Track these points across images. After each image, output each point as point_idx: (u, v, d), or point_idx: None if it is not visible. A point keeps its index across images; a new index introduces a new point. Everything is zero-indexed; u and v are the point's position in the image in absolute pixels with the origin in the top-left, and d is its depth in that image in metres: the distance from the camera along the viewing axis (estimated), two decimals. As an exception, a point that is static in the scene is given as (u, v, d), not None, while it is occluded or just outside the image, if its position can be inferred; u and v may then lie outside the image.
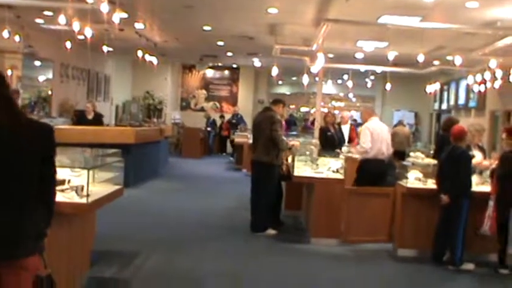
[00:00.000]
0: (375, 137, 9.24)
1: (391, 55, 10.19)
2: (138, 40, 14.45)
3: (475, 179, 7.99)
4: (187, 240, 8.40)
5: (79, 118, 14.03)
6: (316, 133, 18.11)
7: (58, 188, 5.33)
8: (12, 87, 12.81)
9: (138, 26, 12.93)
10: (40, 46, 14.66)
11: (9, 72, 14.62)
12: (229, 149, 22.68)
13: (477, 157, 8.39)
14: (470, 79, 13.26)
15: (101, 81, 20.21)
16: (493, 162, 8.09)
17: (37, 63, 15.81)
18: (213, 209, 11.10)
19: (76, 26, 9.43)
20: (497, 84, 12.95)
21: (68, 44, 12.72)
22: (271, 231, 8.92)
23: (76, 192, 5.18)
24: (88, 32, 9.53)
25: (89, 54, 17.32)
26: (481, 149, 8.74)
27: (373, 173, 9.34)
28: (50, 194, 3.27)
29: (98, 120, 13.50)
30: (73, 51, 16.69)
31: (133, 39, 14.54)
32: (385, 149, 9.40)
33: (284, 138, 9.09)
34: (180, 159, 20.98)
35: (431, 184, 7.96)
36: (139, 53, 14.55)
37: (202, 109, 24.98)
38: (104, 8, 8.31)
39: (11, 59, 14.52)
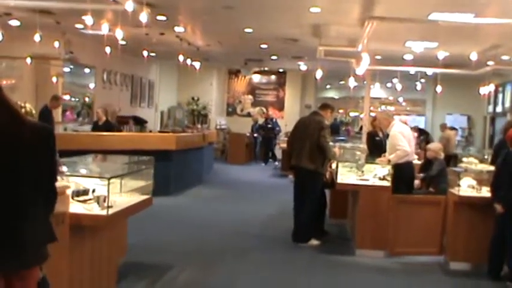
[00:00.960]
0: (406, 140, 8.62)
1: (441, 55, 9.62)
2: (180, 44, 14.18)
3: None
4: (225, 252, 8.00)
5: (93, 125, 13.76)
6: (364, 138, 17.65)
7: (80, 198, 5.06)
8: (55, 94, 12.90)
9: (178, 29, 12.70)
10: (81, 52, 14.53)
11: (54, 79, 14.59)
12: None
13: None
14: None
15: (144, 87, 20.05)
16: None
17: (81, 69, 15.71)
18: (255, 217, 10.67)
19: (119, 33, 9.14)
20: None
21: (108, 49, 12.52)
22: (314, 242, 8.46)
23: (98, 203, 4.84)
24: (119, 34, 9.16)
25: (131, 59, 17.27)
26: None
27: (410, 177, 8.80)
28: (50, 200, 3.10)
29: (108, 126, 13.15)
30: (115, 56, 16.63)
31: (175, 44, 14.28)
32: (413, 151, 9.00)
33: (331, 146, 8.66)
34: (225, 165, 20.68)
35: (486, 192, 7.37)
36: (181, 58, 14.29)
37: (248, 114, 24.63)
38: (143, 17, 8.01)
39: (55, 66, 14.46)
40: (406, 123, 11.34)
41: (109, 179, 4.75)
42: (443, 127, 16.96)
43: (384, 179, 8.18)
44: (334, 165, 9.02)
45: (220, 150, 23.14)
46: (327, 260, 7.82)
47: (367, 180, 8.27)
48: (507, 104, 20.18)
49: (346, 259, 7.86)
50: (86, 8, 8.67)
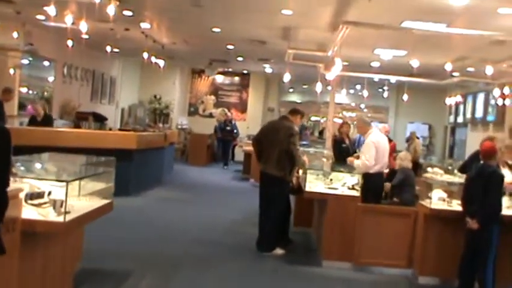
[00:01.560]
0: (381, 151, 8.52)
1: (415, 63, 9.43)
2: (145, 41, 13.77)
3: (505, 201, 7.23)
4: (186, 259, 7.64)
5: (30, 120, 12.77)
6: (328, 143, 17.49)
7: (35, 201, 4.68)
8: (6, 86, 12.34)
9: (144, 25, 12.31)
10: (42, 44, 13.99)
11: (11, 71, 14.01)
12: (236, 156, 21.94)
13: (507, 177, 7.63)
14: (496, 92, 12.47)
15: (106, 83, 19.52)
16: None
17: (39, 62, 15.15)
18: (216, 222, 10.33)
19: (83, 26, 8.72)
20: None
21: (70, 43, 12.05)
22: (279, 251, 8.16)
23: (54, 207, 4.47)
24: (83, 27, 8.73)
25: (93, 54, 16.78)
26: (511, 166, 7.98)
27: (379, 188, 8.69)
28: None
29: (47, 121, 12.49)
30: (77, 50, 16.12)
31: (139, 40, 13.86)
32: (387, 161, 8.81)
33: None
34: (185, 166, 20.29)
35: (457, 206, 7.20)
36: (145, 55, 13.88)
37: (210, 115, 24.29)
38: (111, 10, 7.60)
39: (13, 57, 13.89)
40: (387, 132, 11.21)
41: (68, 182, 4.37)
42: (414, 135, 16.81)
43: (353, 188, 7.95)
44: (301, 172, 8.77)
45: (181, 151, 22.74)
46: (293, 271, 7.54)
47: (336, 189, 8.03)
48: (468, 115, 20.29)
49: (313, 270, 7.58)
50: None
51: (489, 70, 10.40)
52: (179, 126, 23.13)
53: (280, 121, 8.57)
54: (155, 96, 22.59)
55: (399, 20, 9.17)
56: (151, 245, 8.22)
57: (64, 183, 5.31)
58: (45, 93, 15.76)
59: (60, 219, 4.26)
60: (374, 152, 8.40)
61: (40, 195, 4.74)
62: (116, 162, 11.71)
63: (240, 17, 10.67)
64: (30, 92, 15.22)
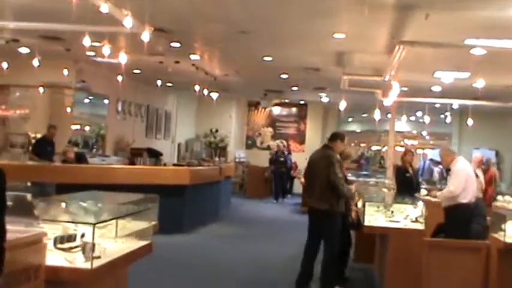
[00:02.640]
0: (470, 181, 8.03)
1: (480, 84, 8.76)
2: (196, 73, 13.53)
3: None
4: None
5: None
6: (389, 172, 16.79)
7: (65, 245, 4.29)
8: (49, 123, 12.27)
9: (194, 57, 12.04)
10: (94, 81, 13.91)
11: (68, 109, 14.03)
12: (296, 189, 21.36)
13: None
14: None
15: (161, 118, 19.40)
16: None
17: (95, 99, 15.13)
18: (274, 259, 9.78)
19: (123, 57, 8.45)
20: None
21: (120, 78, 11.90)
22: None
23: (83, 251, 4.06)
24: (123, 59, 8.45)
25: (146, 89, 16.66)
26: None
27: (465, 223, 8.04)
28: None
29: (80, 161, 12.10)
30: (130, 86, 16.07)
31: (191, 73, 13.63)
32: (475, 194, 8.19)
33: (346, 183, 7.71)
34: (243, 199, 19.87)
35: (535, 238, 6.50)
36: (197, 88, 13.62)
37: (268, 147, 23.88)
38: (145, 36, 7.27)
39: (66, 95, 13.90)
40: (481, 161, 10.69)
41: (94, 224, 3.96)
42: (490, 163, 15.75)
43: (416, 221, 7.32)
44: (360, 204, 8.20)
45: (239, 184, 22.38)
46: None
47: (398, 222, 7.41)
48: (539, 139, 19.28)
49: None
50: (95, 31, 7.98)
51: None
52: (237, 160, 22.77)
53: (321, 151, 7.89)
54: (211, 130, 22.33)
55: (460, 39, 8.56)
56: (205, 286, 7.75)
57: (101, 225, 5.02)
58: (101, 130, 15.72)
59: (87, 265, 3.85)
60: (463, 179, 7.92)
61: (71, 238, 4.36)
62: (169, 198, 11.57)
63: (290, 43, 10.26)
64: (87, 128, 15.22)
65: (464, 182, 7.95)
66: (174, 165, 15.48)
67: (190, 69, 13.18)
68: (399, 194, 9.93)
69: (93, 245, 4.11)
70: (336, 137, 7.85)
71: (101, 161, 13.80)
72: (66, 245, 4.29)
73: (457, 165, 8.13)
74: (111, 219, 4.61)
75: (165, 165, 15.47)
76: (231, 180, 18.74)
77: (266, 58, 11.83)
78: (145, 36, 7.25)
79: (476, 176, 11.60)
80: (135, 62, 12.88)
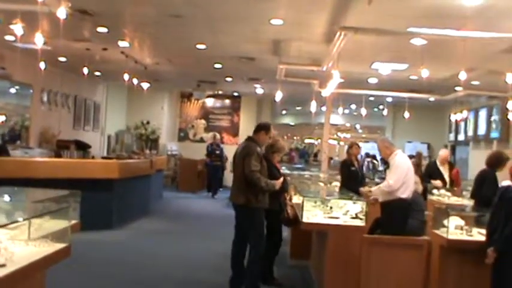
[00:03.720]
0: (409, 175, 7.78)
1: (425, 73, 8.51)
2: (126, 62, 12.87)
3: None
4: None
5: None
6: (324, 166, 16.57)
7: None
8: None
9: (123, 44, 11.39)
10: (15, 68, 13.02)
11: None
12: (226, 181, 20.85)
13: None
14: (510, 104, 11.55)
15: (89, 109, 18.56)
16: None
17: (14, 87, 14.23)
18: (207, 258, 9.30)
19: (39, 39, 7.73)
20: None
21: (43, 65, 11.12)
22: None
23: (-14, 258, 3.49)
24: (39, 40, 7.74)
25: (73, 78, 15.84)
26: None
27: (402, 220, 7.77)
28: None
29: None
30: (55, 74, 15.22)
31: (120, 61, 12.96)
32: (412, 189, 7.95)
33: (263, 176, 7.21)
34: (176, 193, 19.33)
35: (478, 235, 6.26)
36: (127, 77, 12.95)
37: (201, 140, 23.41)
38: (61, 12, 6.61)
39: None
40: (446, 159, 10.60)
41: (-4, 227, 3.38)
42: (421, 156, 15.69)
43: (356, 217, 6.99)
44: (296, 199, 7.82)
45: (171, 178, 21.82)
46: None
47: (337, 218, 7.06)
48: (470, 132, 19.43)
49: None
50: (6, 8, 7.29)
51: (510, 78, 9.41)
52: (169, 152, 22.20)
53: (244, 142, 7.42)
54: (142, 122, 21.65)
55: (403, 26, 8.25)
56: (130, 286, 7.21)
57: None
58: (24, 122, 14.85)
59: (-12, 275, 3.29)
60: (403, 174, 7.67)
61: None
62: (97, 193, 11.01)
63: (225, 29, 9.75)
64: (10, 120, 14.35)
65: (404, 176, 7.70)
66: (103, 158, 14.83)
67: (119, 57, 12.51)
68: (345, 188, 9.65)
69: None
70: (260, 128, 7.42)
71: (23, 154, 12.98)
72: (-35, 250, 3.72)
73: (396, 159, 7.86)
74: (16, 221, 4.03)
75: (93, 158, 14.79)
76: (162, 174, 18.20)
77: (199, 46, 11.29)
78: (61, 13, 6.59)
79: (440, 173, 11.48)
80: (60, 48, 12.12)
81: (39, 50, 9.18)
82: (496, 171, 8.20)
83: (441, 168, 11.50)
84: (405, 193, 7.73)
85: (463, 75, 8.34)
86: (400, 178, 7.64)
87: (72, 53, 12.56)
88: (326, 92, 10.84)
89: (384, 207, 7.84)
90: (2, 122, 14.16)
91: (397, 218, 7.63)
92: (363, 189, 8.45)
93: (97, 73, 16.25)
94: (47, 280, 4.57)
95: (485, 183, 8.26)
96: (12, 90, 14.28)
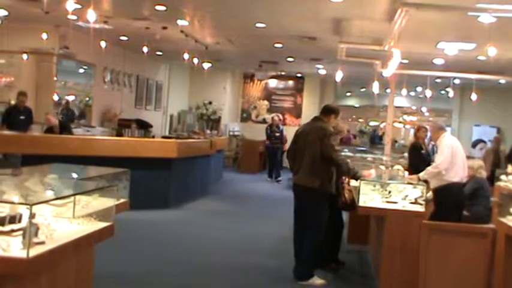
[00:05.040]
0: (458, 157, 7.48)
1: (492, 51, 8.06)
2: (186, 41, 12.79)
3: None
4: None
5: (46, 132, 11.24)
6: (387, 149, 16.17)
7: (7, 228, 3.66)
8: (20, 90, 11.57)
9: (182, 22, 11.31)
10: (78, 48, 13.14)
11: (54, 78, 13.34)
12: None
13: None
14: None
15: (151, 89, 18.68)
16: None
17: (78, 67, 14.42)
18: (262, 241, 9.11)
19: (91, 15, 7.70)
20: None
21: (104, 44, 11.17)
22: (317, 281, 6.77)
23: (23, 236, 3.42)
24: (91, 16, 7.70)
25: (135, 57, 15.93)
26: None
27: (457, 202, 7.56)
28: None
29: (64, 130, 11.13)
30: (117, 54, 15.34)
31: (181, 40, 12.87)
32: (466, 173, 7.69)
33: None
34: (236, 174, 19.27)
35: (546, 223, 5.90)
36: (187, 56, 12.88)
37: (264, 121, 23.25)
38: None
39: (48, 62, 13.17)
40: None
41: (31, 205, 3.29)
42: (498, 141, 14.97)
43: (416, 202, 6.70)
44: (354, 182, 7.57)
45: (233, 158, 21.78)
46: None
47: (396, 202, 6.78)
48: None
49: (368, 301, 6.41)
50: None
51: None
52: (231, 133, 22.18)
53: (312, 123, 7.13)
54: (204, 102, 21.65)
55: (471, 2, 7.82)
56: (177, 269, 7.11)
57: (60, 203, 4.40)
58: (87, 100, 15.07)
59: (23, 254, 3.20)
60: (449, 154, 7.38)
61: (15, 218, 3.73)
62: (155, 172, 11.03)
63: (284, 7, 9.51)
64: (73, 97, 14.60)
65: (450, 157, 7.40)
66: (163, 137, 14.89)
67: (179, 36, 12.43)
68: (412, 173, 9.33)
69: (37, 228, 3.49)
70: (330, 111, 7.09)
71: (85, 132, 13.16)
72: (8, 227, 3.67)
73: (443, 140, 7.59)
74: (62, 197, 3.96)
75: (153, 137, 14.89)
76: (223, 154, 18.16)
77: (259, 24, 11.09)
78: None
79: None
80: (120, 27, 12.17)
81: (105, 31, 9.15)
82: None
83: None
84: (457, 176, 7.43)
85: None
86: (447, 158, 7.36)
87: (132, 32, 12.59)
88: (387, 72, 10.46)
89: (436, 193, 7.53)
90: (72, 100, 14.44)
91: (451, 203, 7.34)
92: (411, 176, 8.09)
93: (158, 53, 16.27)
94: (97, 258, 4.51)
95: None
96: (81, 70, 14.52)
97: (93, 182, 5.02)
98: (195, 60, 13.78)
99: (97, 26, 11.16)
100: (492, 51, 7.73)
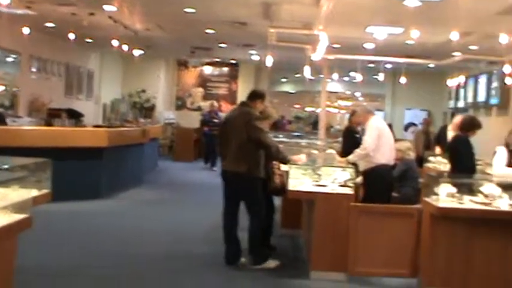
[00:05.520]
0: (385, 139, 7.60)
1: (415, 34, 8.19)
2: (115, 28, 12.53)
3: None
4: (149, 278, 6.38)
5: None
6: (321, 134, 16.34)
7: None
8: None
9: (109, 8, 11.06)
10: (2, 34, 12.68)
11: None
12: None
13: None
14: (507, 68, 11.20)
15: (82, 77, 18.26)
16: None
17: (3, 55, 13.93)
18: (194, 227, 9.07)
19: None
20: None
21: (27, 30, 10.81)
22: (272, 263, 6.82)
23: None
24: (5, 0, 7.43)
25: (64, 45, 15.51)
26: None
27: (386, 184, 7.68)
28: None
29: None
30: (44, 41, 14.90)
31: (110, 27, 12.61)
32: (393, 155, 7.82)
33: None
34: (171, 163, 19.06)
35: (469, 202, 6.03)
36: (116, 43, 12.62)
37: (199, 108, 23.13)
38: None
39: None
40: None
41: None
42: (428, 123, 15.20)
43: (345, 185, 6.75)
44: (284, 167, 7.57)
45: (168, 147, 21.57)
46: (275, 285, 6.35)
47: (325, 186, 6.81)
48: (469, 99, 19.15)
49: (299, 284, 6.40)
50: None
51: (504, 39, 9.02)
52: (166, 121, 21.98)
53: (239, 108, 7.17)
54: (138, 91, 21.35)
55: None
56: (108, 261, 6.95)
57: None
58: (13, 89, 14.59)
59: None
60: (375, 136, 7.47)
61: None
62: (85, 162, 10.80)
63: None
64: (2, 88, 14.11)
65: (377, 139, 7.48)
66: (94, 126, 14.58)
67: (107, 22, 12.18)
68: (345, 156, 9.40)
69: None
70: (256, 95, 7.08)
71: (11, 122, 12.74)
72: None
73: (370, 123, 7.68)
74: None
75: (85, 126, 14.55)
76: (157, 143, 17.96)
77: (188, 10, 10.95)
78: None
79: (446, 139, 11.09)
80: (45, 13, 11.80)
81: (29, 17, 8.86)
82: (468, 137, 7.84)
83: (449, 135, 11.08)
84: (384, 158, 7.55)
85: (455, 36, 8.01)
86: (374, 140, 7.45)
87: (58, 18, 12.25)
88: (316, 56, 10.49)
89: (365, 175, 7.63)
90: (2, 91, 13.97)
91: (379, 185, 7.46)
92: (341, 159, 8.18)
93: (88, 40, 15.92)
94: (21, 251, 4.35)
95: (463, 152, 7.85)
96: (9, 59, 14.03)
97: (10, 172, 4.83)
98: (125, 47, 13.50)
99: (19, 11, 10.82)
100: (415, 34, 7.82)
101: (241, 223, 7.05)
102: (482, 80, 17.87)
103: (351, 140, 10.27)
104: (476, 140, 7.87)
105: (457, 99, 20.65)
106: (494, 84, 16.90)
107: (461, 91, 19.80)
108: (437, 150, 11.40)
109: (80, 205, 9.95)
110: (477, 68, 17.15)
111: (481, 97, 18.04)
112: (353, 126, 10.52)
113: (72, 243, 7.67)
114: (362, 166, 7.66)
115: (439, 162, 10.70)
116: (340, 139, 16.39)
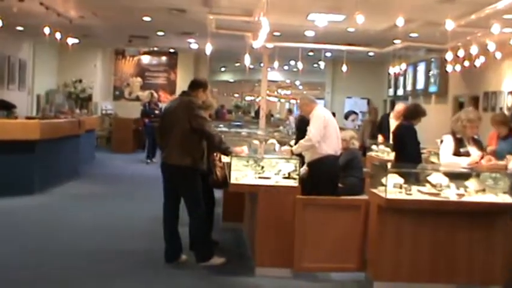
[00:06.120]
0: (331, 129, 7.44)
1: (360, 19, 8.01)
2: (48, 15, 11.93)
3: (473, 184, 6.00)
4: (73, 281, 5.96)
5: None
6: (262, 123, 16.13)
7: None
8: None
9: (39, -7, 10.51)
10: None
11: None
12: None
13: (473, 154, 6.43)
14: (449, 55, 11.19)
15: (14, 67, 17.48)
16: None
17: None
18: (131, 222, 8.72)
19: None
20: (478, 62, 11.09)
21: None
22: (218, 260, 6.53)
23: None
24: None
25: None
26: (477, 142, 6.73)
27: (332, 175, 7.50)
28: None
29: None
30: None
31: (42, 15, 11.97)
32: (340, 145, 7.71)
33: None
34: (110, 154, 18.51)
35: (417, 193, 5.89)
36: (47, 30, 12.02)
37: (137, 98, 22.60)
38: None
39: None
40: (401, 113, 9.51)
41: None
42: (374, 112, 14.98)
43: (289, 176, 6.52)
44: (226, 159, 7.30)
45: (106, 138, 20.97)
46: (217, 283, 6.08)
47: (269, 178, 6.57)
48: (408, 87, 19.30)
49: (244, 281, 6.14)
50: None
51: (450, 25, 8.94)
52: (103, 112, 21.39)
53: (179, 98, 6.89)
54: (73, 81, 20.67)
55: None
56: (37, 260, 6.55)
57: None
58: None
59: None
60: (321, 127, 7.30)
61: None
62: (17, 156, 10.28)
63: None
64: None
65: (323, 129, 7.32)
66: (26, 118, 13.96)
67: (39, 9, 11.56)
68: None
69: None
70: (197, 85, 6.81)
71: None
72: None
73: (315, 113, 7.50)
74: None
75: (16, 118, 13.91)
76: (94, 134, 17.42)
77: (123, -5, 10.54)
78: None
79: (389, 128, 10.98)
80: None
81: None
82: (413, 125, 7.77)
83: (392, 123, 10.99)
84: (330, 149, 7.38)
85: (400, 22, 7.90)
86: (319, 130, 7.29)
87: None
88: (257, 44, 10.24)
89: (310, 167, 7.43)
90: None
91: (325, 176, 7.30)
92: (285, 148, 8.00)
93: (19, 28, 15.21)
94: None
95: (407, 140, 7.76)
96: None
97: None
98: (58, 35, 12.89)
99: None
100: (360, 19, 7.64)
101: (181, 218, 6.74)
102: (421, 68, 18.03)
103: (305, 129, 10.12)
104: (417, 128, 7.80)
105: (396, 87, 20.81)
106: (433, 71, 17.04)
107: (401, 79, 19.95)
108: (380, 138, 11.34)
109: (10, 202, 9.48)
110: (416, 56, 17.25)
111: (420, 85, 18.20)
112: (306, 116, 10.35)
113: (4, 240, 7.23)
114: (308, 157, 7.46)
115: (382, 151, 10.63)
116: (281, 128, 16.29)
